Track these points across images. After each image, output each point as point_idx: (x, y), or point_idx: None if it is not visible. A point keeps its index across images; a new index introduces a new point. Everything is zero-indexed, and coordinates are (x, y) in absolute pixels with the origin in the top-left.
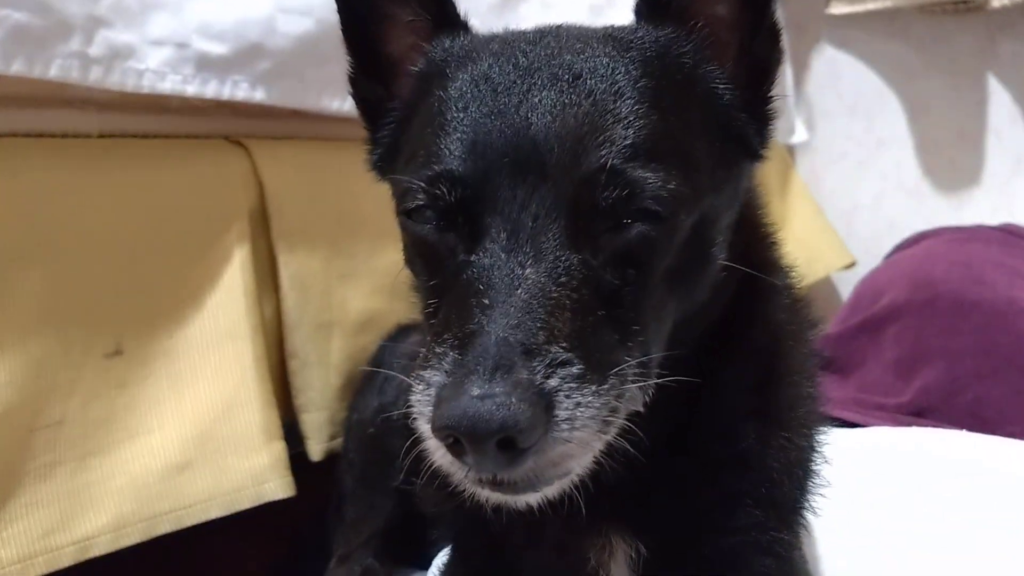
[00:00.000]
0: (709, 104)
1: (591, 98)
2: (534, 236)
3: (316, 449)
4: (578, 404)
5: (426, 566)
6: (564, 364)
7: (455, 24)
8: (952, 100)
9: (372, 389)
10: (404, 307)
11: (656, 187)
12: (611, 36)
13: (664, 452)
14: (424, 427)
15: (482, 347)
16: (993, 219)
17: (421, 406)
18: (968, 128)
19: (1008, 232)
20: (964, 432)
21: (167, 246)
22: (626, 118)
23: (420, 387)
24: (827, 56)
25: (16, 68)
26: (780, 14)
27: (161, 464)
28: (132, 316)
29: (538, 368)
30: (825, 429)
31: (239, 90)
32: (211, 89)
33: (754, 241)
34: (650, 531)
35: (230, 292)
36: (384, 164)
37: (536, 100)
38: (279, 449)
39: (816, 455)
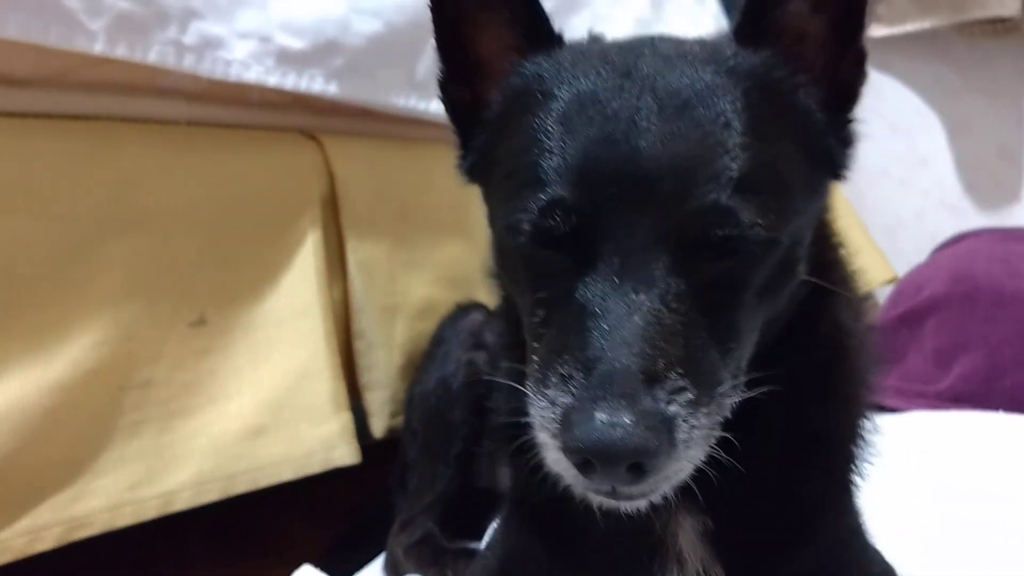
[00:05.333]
0: (803, 130)
1: (700, 129)
2: (645, 263)
3: (379, 426)
4: (693, 427)
5: (482, 537)
6: (681, 390)
7: (550, 39)
8: (992, 119)
9: (434, 362)
10: (461, 296)
11: (760, 222)
12: (713, 59)
13: (737, 436)
14: (547, 440)
15: (607, 374)
16: None
17: (545, 422)
18: (1008, 145)
19: None
20: (1001, 413)
21: (247, 227)
22: (732, 150)
23: (542, 403)
24: (869, 77)
25: (120, 52)
26: None
27: (239, 427)
28: (215, 289)
29: (660, 396)
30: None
31: (315, 83)
32: (290, 81)
33: (823, 246)
34: (717, 507)
35: (303, 272)
36: (476, 172)
37: (644, 126)
38: (347, 419)
39: (868, 434)
